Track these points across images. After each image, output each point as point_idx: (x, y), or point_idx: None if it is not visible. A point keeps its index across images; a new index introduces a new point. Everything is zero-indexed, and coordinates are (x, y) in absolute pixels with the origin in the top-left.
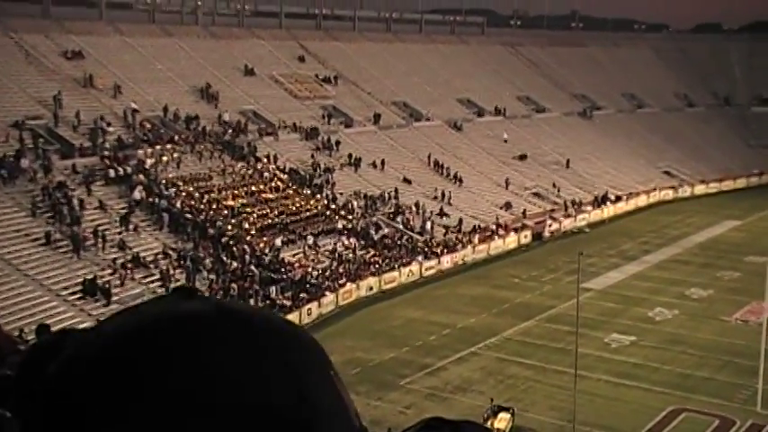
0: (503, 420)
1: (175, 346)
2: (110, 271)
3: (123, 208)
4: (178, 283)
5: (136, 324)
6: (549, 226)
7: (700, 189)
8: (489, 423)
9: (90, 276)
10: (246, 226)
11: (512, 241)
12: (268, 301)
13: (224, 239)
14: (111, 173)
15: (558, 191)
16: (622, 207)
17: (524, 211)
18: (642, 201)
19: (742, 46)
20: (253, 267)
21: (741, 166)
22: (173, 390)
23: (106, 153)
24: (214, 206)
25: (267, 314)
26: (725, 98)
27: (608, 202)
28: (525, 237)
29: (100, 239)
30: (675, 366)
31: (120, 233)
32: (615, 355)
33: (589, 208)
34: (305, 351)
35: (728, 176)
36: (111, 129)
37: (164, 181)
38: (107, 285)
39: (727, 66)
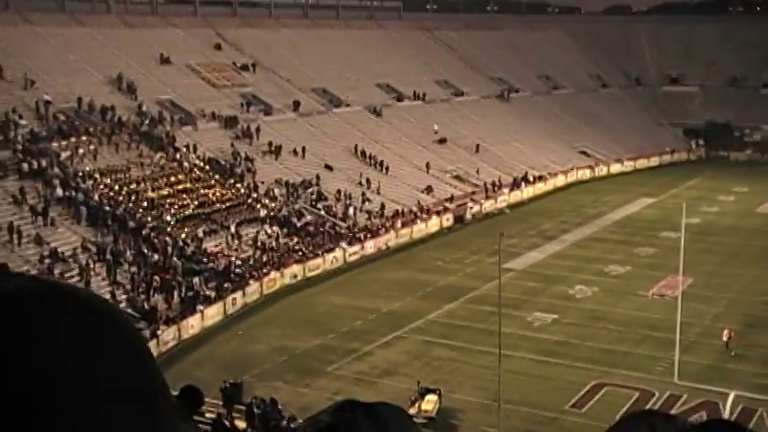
0: (430, 402)
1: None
2: (26, 267)
3: (39, 202)
4: (98, 278)
5: None
6: (471, 208)
7: (615, 168)
8: (417, 405)
9: None
10: (167, 217)
11: (434, 224)
12: (191, 293)
13: (144, 231)
14: (25, 166)
15: (480, 173)
16: (541, 188)
17: (452, 196)
18: (560, 181)
19: (651, 27)
20: (175, 259)
21: (654, 145)
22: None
23: (19, 146)
24: (133, 198)
25: (84, 290)
26: (636, 78)
27: (526, 183)
28: (447, 220)
29: (15, 235)
30: (596, 342)
31: (36, 228)
32: (538, 334)
33: (508, 190)
34: (135, 330)
35: (642, 155)
36: (23, 122)
37: (80, 174)
38: None
39: (637, 47)
